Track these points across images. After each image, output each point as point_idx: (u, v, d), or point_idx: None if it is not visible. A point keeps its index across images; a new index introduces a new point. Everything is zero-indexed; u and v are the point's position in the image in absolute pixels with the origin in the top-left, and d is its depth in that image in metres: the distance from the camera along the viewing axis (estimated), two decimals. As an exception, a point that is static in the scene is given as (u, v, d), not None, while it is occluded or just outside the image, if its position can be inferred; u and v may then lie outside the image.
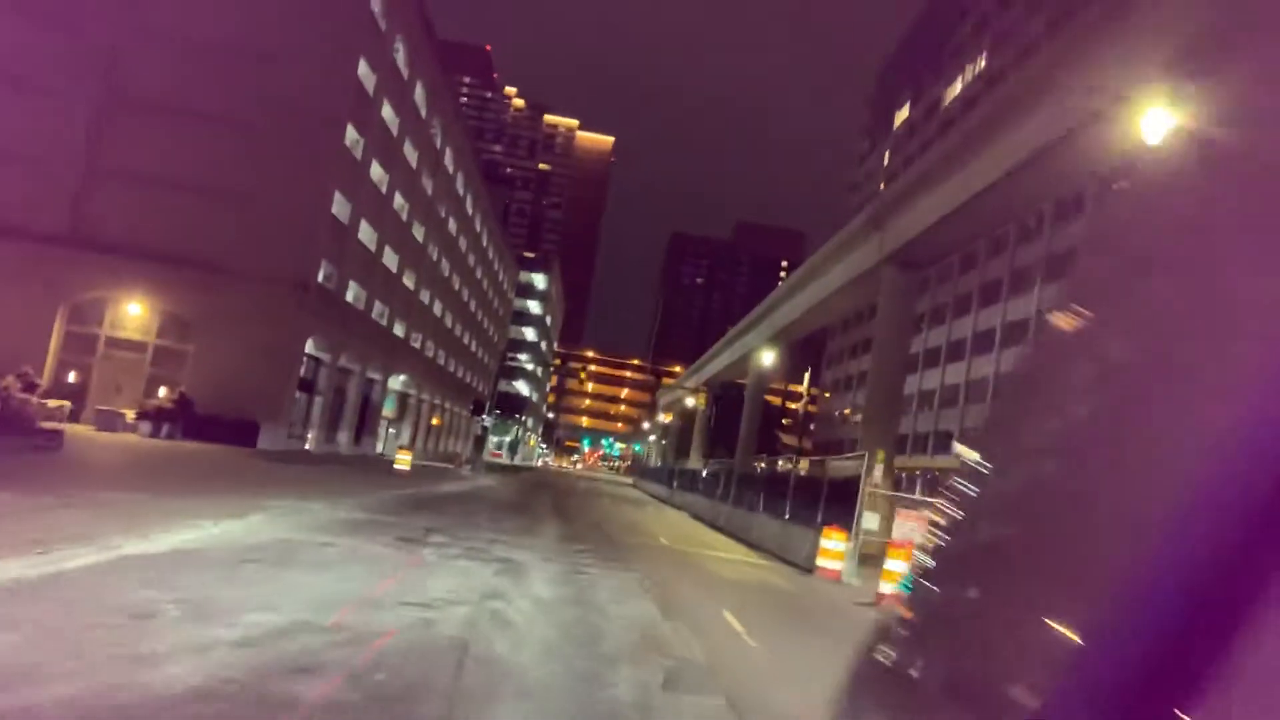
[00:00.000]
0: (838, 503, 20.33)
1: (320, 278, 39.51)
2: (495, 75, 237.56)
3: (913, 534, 15.73)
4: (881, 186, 79.64)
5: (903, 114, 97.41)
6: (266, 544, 10.96)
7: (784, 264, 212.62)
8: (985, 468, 1.06)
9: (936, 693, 0.90)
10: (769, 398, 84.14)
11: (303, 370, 39.43)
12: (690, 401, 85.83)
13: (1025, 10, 68.89)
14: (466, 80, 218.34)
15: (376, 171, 44.18)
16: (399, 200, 48.92)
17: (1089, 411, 0.89)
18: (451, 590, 9.58)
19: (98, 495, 12.37)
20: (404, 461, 29.74)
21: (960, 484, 1.07)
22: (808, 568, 19.11)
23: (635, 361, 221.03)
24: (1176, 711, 0.59)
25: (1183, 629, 0.61)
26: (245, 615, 6.98)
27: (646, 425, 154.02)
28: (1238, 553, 0.61)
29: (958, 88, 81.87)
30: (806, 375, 53.78)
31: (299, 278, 35.65)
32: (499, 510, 23.13)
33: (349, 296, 44.02)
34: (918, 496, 22.83)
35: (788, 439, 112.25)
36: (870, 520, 18.17)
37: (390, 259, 49.10)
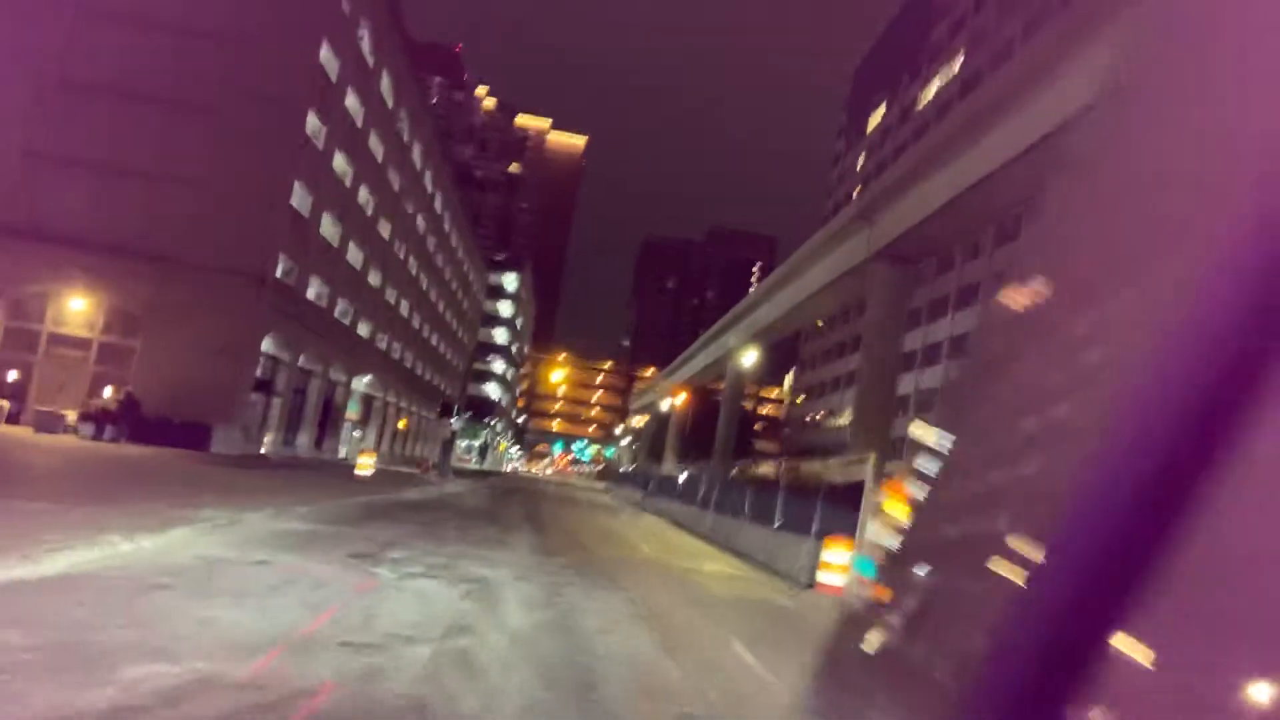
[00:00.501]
0: (835, 510, 18.79)
1: (279, 273, 37.52)
2: (466, 76, 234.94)
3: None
4: (855, 193, 78.58)
5: (878, 116, 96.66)
6: (185, 565, 9.19)
7: (756, 268, 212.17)
8: (945, 448, 1.03)
9: (946, 676, 0.86)
10: (742, 402, 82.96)
11: (260, 370, 37.39)
12: (665, 404, 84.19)
13: (1001, 11, 68.13)
14: (436, 80, 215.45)
15: (340, 163, 42.24)
16: (364, 194, 46.95)
17: (1043, 388, 0.89)
18: (408, 623, 7.88)
19: (-7, 505, 10.53)
20: (366, 466, 27.84)
21: (922, 466, 1.04)
22: (805, 581, 17.55)
23: (607, 365, 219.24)
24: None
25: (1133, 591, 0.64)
26: (128, 667, 5.26)
27: (619, 429, 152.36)
28: (1207, 529, 0.63)
29: (933, 90, 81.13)
30: (788, 377, 52.06)
31: (255, 271, 33.65)
32: (467, 519, 21.36)
33: (310, 293, 42.00)
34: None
35: (762, 444, 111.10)
36: (876, 529, 16.61)
37: (354, 255, 47.09)
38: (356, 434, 57.63)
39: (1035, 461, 0.82)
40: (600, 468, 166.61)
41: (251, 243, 33.55)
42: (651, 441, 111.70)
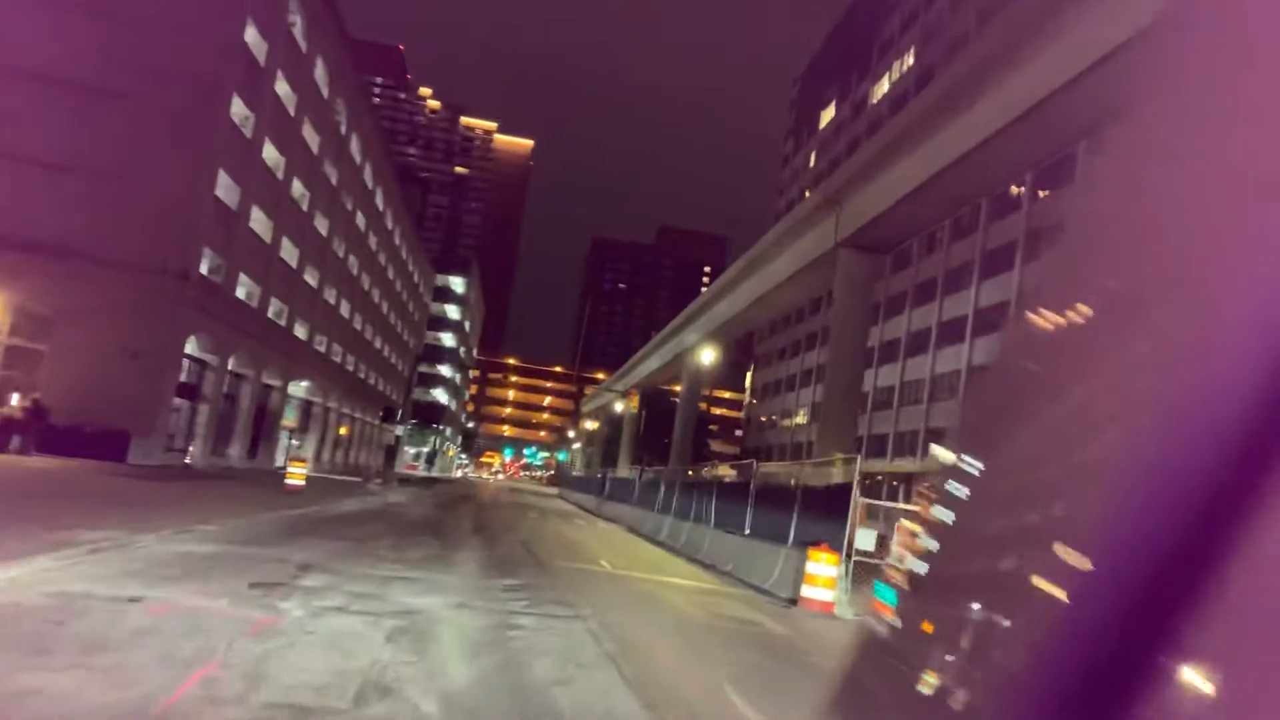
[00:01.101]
0: (814, 515, 17.12)
1: (205, 270, 34.99)
2: (409, 76, 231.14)
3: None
4: (805, 194, 77.39)
5: (829, 113, 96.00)
6: (30, 607, 7.14)
7: (707, 269, 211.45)
8: (972, 469, 1.00)
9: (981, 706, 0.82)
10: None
11: (184, 374, 34.80)
12: (619, 406, 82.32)
13: (955, 3, 67.49)
14: (379, 81, 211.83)
15: (271, 154, 39.73)
16: (298, 188, 44.41)
17: (1076, 409, 0.86)
18: (308, 683, 5.94)
19: None
20: (298, 476, 25.50)
21: (948, 486, 1.01)
22: (786, 596, 15.85)
23: (558, 369, 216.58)
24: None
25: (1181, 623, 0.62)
26: None
27: (571, 433, 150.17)
28: (1242, 551, 0.61)
29: (885, 85, 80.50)
30: (749, 374, 50.16)
31: (177, 267, 31.12)
32: (408, 532, 19.28)
33: (241, 293, 39.42)
34: (909, 506, 19.88)
35: (718, 445, 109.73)
36: (865, 538, 14.95)
37: (289, 252, 44.51)
38: (295, 442, 54.87)
39: (1079, 488, 0.76)
40: (552, 473, 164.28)
41: (172, 237, 31.02)
42: (605, 445, 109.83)
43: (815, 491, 17.39)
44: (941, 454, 1.07)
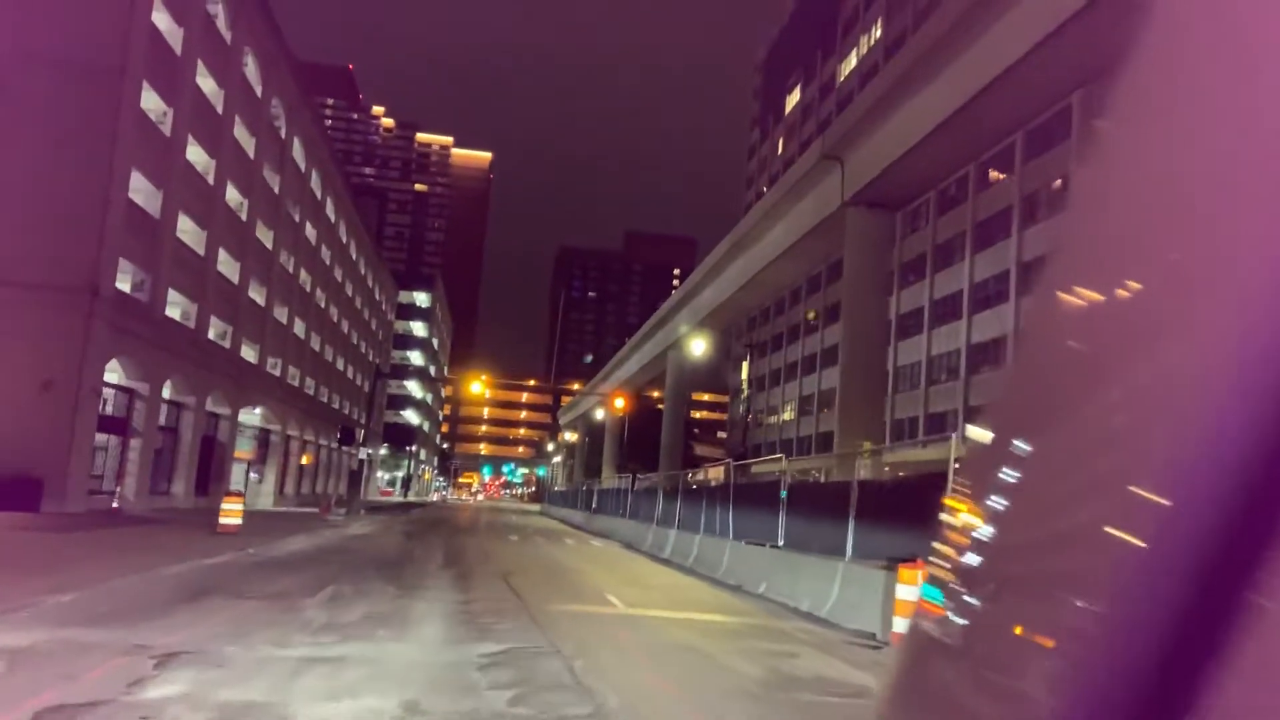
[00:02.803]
0: (878, 519, 13.40)
1: (128, 287, 30.83)
2: (360, 96, 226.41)
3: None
4: (764, 189, 73.63)
5: (794, 98, 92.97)
6: None
7: (676, 271, 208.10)
8: (1021, 452, 0.93)
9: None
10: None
11: (111, 406, 30.55)
12: (600, 413, 78.31)
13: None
14: (330, 102, 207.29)
15: (198, 155, 35.57)
16: (234, 194, 40.22)
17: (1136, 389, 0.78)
18: None
19: None
20: (233, 514, 21.37)
21: (999, 472, 0.93)
22: (854, 628, 12.18)
23: (532, 382, 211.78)
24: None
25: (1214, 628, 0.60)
26: None
27: (550, 446, 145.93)
28: None
29: (853, 61, 77.45)
30: (745, 365, 46.20)
31: (86, 281, 26.92)
32: (359, 575, 15.28)
33: (175, 313, 35.23)
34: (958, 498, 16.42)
35: (702, 449, 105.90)
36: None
37: (228, 266, 40.26)
38: (254, 475, 50.50)
39: (1137, 482, 0.70)
40: (533, 489, 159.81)
41: (77, 246, 26.81)
42: (587, 455, 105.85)
43: (881, 488, 13.64)
44: (979, 434, 0.99)
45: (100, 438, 29.88)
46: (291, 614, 10.25)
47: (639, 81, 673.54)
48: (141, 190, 30.66)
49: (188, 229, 35.28)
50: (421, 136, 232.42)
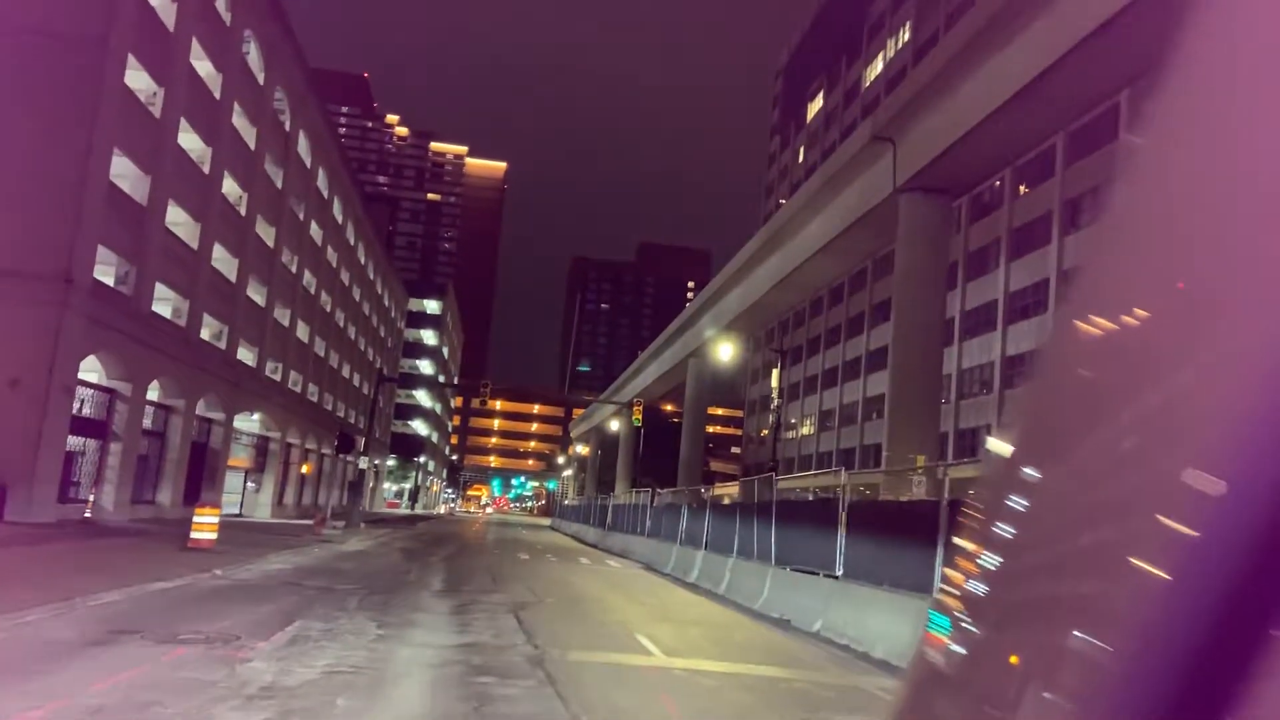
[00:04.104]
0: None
1: (111, 279, 28.53)
2: (375, 104, 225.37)
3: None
4: (783, 200, 70.78)
5: (816, 104, 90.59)
6: None
7: (690, 284, 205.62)
8: (1032, 478, 0.90)
9: None
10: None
11: (88, 406, 28.17)
12: (614, 424, 75.57)
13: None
14: (345, 110, 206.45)
15: (192, 142, 33.33)
16: (232, 187, 37.93)
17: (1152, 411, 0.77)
18: None
19: None
20: (206, 527, 18.86)
21: (1008, 498, 0.91)
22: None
23: (537, 409, 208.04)
24: None
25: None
26: None
27: (561, 460, 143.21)
28: None
29: (879, 66, 74.99)
30: (776, 371, 43.43)
31: (59, 268, 24.57)
32: (335, 607, 12.70)
33: (166, 310, 32.89)
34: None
35: (718, 464, 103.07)
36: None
37: (225, 262, 37.93)
38: (251, 485, 48.10)
39: (1168, 497, 0.66)
40: (543, 503, 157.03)
41: (50, 231, 24.49)
42: (599, 469, 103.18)
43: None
44: (998, 446, 0.94)
45: (75, 441, 27.51)
46: (224, 668, 7.68)
47: (656, 91, 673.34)
48: (127, 175, 28.41)
49: (180, 220, 33.00)
50: (436, 145, 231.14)
